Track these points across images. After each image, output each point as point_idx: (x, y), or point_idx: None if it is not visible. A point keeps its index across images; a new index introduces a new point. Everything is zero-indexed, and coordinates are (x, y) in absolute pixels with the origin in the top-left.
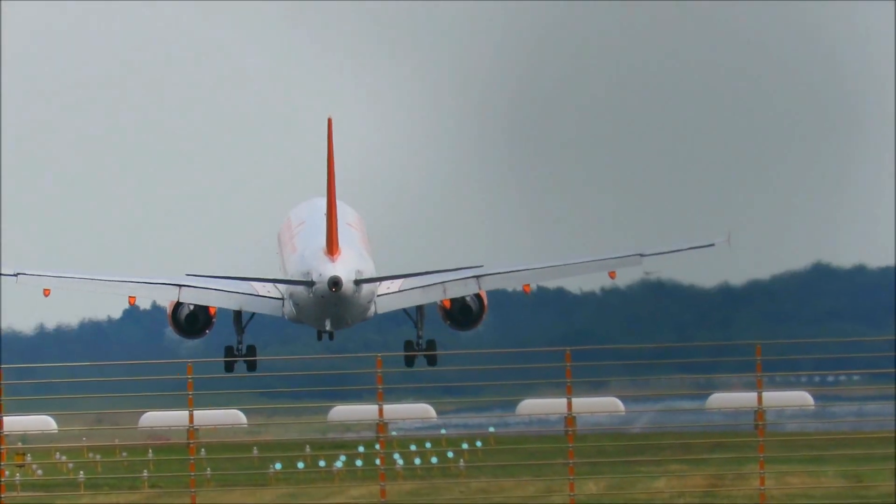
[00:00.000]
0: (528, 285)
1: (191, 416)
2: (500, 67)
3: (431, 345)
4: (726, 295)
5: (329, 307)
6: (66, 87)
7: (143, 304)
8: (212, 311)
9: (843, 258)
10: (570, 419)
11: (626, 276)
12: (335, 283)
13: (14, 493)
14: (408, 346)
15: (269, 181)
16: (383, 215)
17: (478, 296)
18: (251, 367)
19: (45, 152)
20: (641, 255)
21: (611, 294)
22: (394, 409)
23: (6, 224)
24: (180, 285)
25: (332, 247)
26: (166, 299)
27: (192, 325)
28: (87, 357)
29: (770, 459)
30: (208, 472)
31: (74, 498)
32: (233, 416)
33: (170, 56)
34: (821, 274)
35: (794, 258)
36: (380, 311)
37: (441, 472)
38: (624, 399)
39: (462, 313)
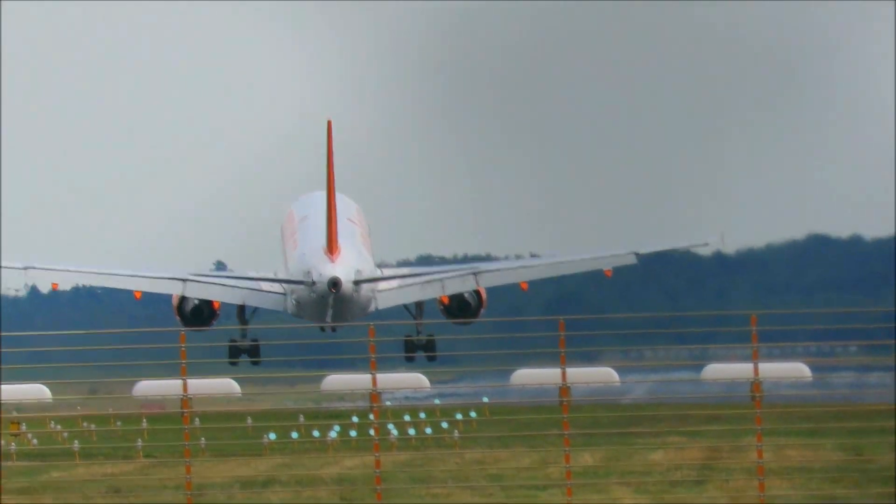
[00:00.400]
0: (525, 283)
1: (185, 386)
2: (496, 59)
3: (431, 341)
4: (721, 264)
5: (329, 305)
6: (70, 84)
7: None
8: (216, 305)
9: (840, 228)
10: (564, 389)
11: (620, 246)
12: (335, 283)
13: (10, 462)
14: (408, 342)
15: (264, 174)
16: (377, 202)
17: (476, 291)
18: (255, 360)
19: (46, 146)
20: (637, 254)
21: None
22: (387, 379)
23: (8, 217)
24: (185, 280)
25: (331, 247)
26: (171, 293)
27: (197, 318)
28: (80, 324)
29: (767, 431)
30: (202, 441)
31: (69, 467)
32: (227, 385)
33: (169, 52)
34: (817, 243)
35: (789, 227)
36: (380, 307)
37: (435, 443)
38: (619, 370)
39: (460, 308)
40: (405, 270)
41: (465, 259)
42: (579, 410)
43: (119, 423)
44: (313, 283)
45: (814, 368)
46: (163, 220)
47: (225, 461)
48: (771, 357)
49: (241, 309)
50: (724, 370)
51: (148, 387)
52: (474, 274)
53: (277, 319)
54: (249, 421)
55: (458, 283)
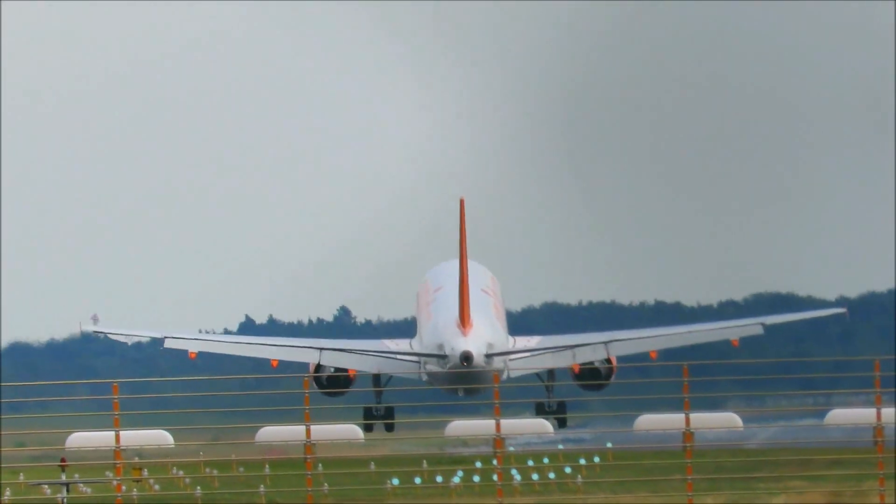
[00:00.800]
0: (655, 352)
1: (308, 431)
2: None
3: (562, 406)
4: (844, 307)
5: (461, 377)
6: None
7: (260, 318)
8: (351, 373)
9: None
10: (688, 434)
11: (743, 290)
12: (466, 357)
13: None
14: (538, 407)
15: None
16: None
17: (607, 359)
18: (389, 427)
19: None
20: (763, 325)
21: (727, 306)
22: (511, 424)
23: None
24: (321, 349)
25: (464, 320)
26: (308, 362)
27: (333, 386)
28: (201, 369)
29: (889, 476)
30: (325, 487)
31: None
32: (350, 431)
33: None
34: None
35: None
36: (512, 374)
37: (558, 488)
38: (742, 415)
39: (591, 376)
40: (536, 340)
41: (590, 305)
42: (703, 455)
43: (241, 469)
44: (445, 356)
45: None
46: (292, 269)
47: None
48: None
49: (376, 376)
50: (848, 415)
51: (271, 432)
52: (605, 343)
53: (410, 384)
54: (372, 466)
55: (589, 352)
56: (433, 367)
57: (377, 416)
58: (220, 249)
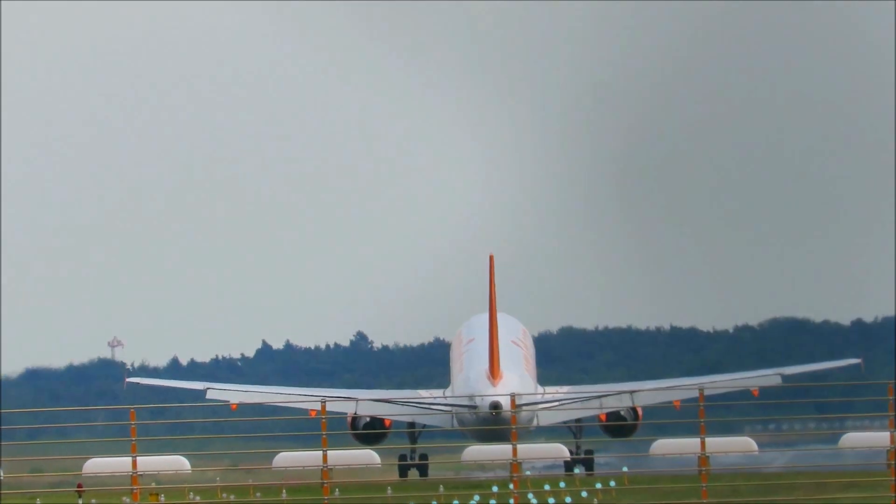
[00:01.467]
0: (678, 401)
1: (325, 456)
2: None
3: (590, 458)
4: (860, 333)
5: (491, 427)
6: (143, 152)
7: (276, 343)
8: (387, 422)
9: None
10: (703, 459)
11: (759, 314)
12: (495, 407)
13: None
14: (567, 465)
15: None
16: (519, 275)
17: (633, 407)
18: (423, 472)
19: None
20: (782, 375)
21: (743, 331)
22: (527, 449)
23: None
24: (357, 399)
25: (494, 371)
26: (345, 411)
27: (370, 435)
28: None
29: None
30: None
31: None
32: (367, 456)
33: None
34: None
35: None
36: (541, 424)
37: None
38: (758, 440)
39: (618, 423)
40: (565, 390)
41: (606, 331)
42: (718, 479)
43: (258, 494)
44: (475, 406)
45: None
46: (309, 294)
47: None
48: None
49: (411, 425)
50: (862, 438)
51: (288, 458)
52: (630, 393)
53: (443, 432)
54: (389, 491)
55: (615, 400)
56: (464, 416)
57: (412, 462)
58: (238, 275)
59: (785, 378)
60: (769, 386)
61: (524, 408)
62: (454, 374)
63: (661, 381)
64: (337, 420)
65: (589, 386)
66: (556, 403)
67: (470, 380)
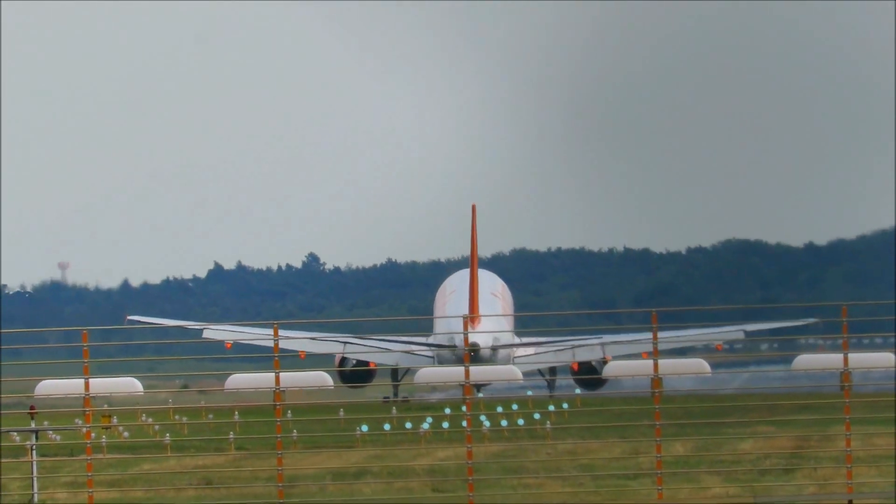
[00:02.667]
0: (646, 353)
1: (277, 378)
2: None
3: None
4: (813, 255)
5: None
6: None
7: (228, 264)
8: (372, 364)
9: None
10: (656, 381)
11: (713, 235)
12: (473, 346)
13: (101, 455)
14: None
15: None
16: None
17: (604, 359)
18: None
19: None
20: (745, 332)
21: (696, 253)
22: (480, 371)
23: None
24: (345, 342)
25: (473, 312)
26: (333, 353)
27: (356, 377)
28: (172, 316)
29: (856, 421)
30: (294, 434)
31: (160, 460)
32: (319, 378)
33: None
34: None
35: (879, 217)
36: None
37: (527, 434)
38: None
39: (588, 373)
40: (541, 340)
41: (559, 252)
42: (671, 401)
43: (211, 416)
44: (455, 346)
45: None
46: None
47: (317, 453)
48: (861, 347)
49: (395, 369)
50: (815, 360)
51: (240, 380)
52: (602, 344)
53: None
54: (342, 413)
55: (588, 351)
56: (444, 357)
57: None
58: (190, 196)
59: (747, 334)
60: (732, 340)
61: (502, 351)
62: (436, 322)
63: (632, 334)
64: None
65: (561, 338)
66: (533, 351)
67: (450, 323)
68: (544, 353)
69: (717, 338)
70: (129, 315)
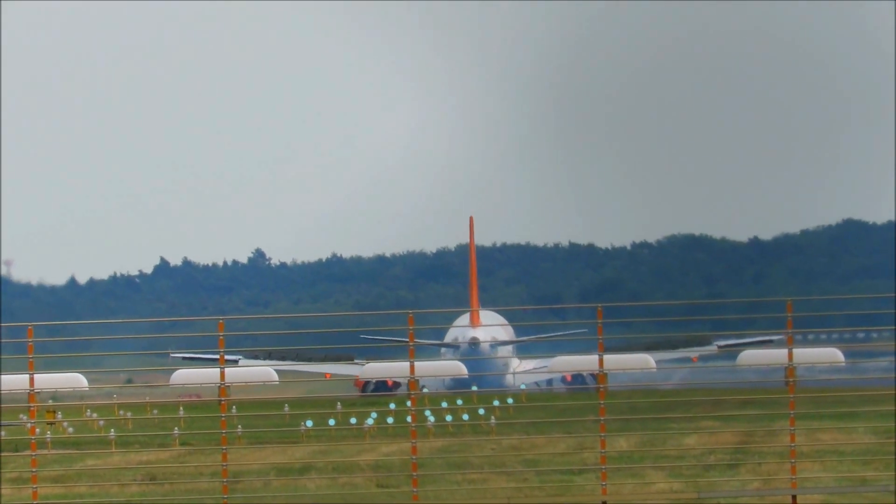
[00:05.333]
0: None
1: (222, 374)
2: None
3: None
4: (757, 249)
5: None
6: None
7: (174, 260)
8: (389, 383)
9: (875, 214)
10: (601, 376)
11: (658, 230)
12: (474, 341)
13: (45, 451)
14: None
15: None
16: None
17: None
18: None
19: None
20: (719, 346)
21: (641, 248)
22: (425, 367)
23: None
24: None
25: (473, 315)
26: (354, 375)
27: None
28: (116, 312)
29: (800, 416)
30: (239, 429)
31: (105, 455)
32: (265, 373)
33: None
34: (852, 229)
35: (825, 213)
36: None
37: (472, 429)
38: (655, 357)
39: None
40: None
41: (504, 247)
42: (616, 396)
43: (155, 412)
44: (458, 344)
45: (847, 353)
46: (208, 211)
47: (261, 448)
48: (806, 343)
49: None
50: (760, 356)
51: (185, 375)
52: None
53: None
54: (286, 408)
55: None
56: (448, 356)
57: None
58: (135, 192)
59: (720, 348)
60: (706, 354)
61: (500, 348)
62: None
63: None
64: (235, 338)
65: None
66: (532, 366)
67: (455, 330)
68: (543, 368)
69: (691, 353)
70: (173, 354)
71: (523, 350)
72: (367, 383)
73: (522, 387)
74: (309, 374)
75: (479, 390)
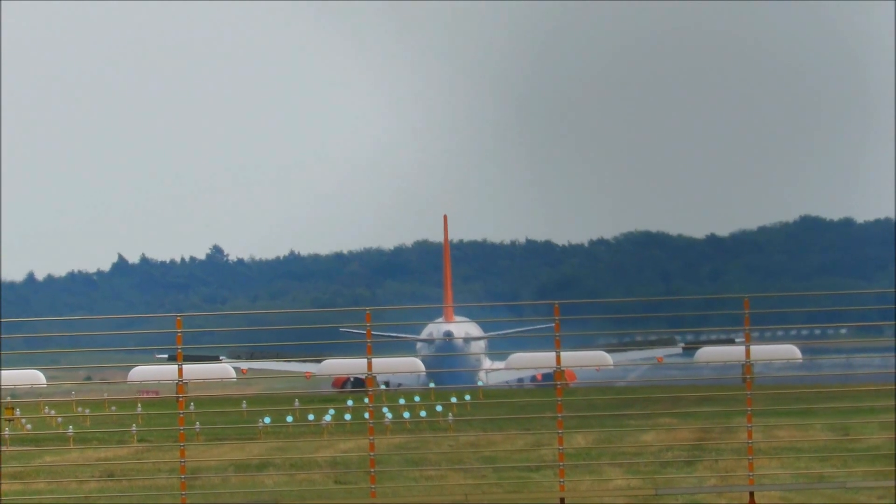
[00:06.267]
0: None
1: (180, 371)
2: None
3: None
4: (715, 247)
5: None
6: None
7: (132, 257)
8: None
9: (832, 211)
10: (558, 373)
11: (615, 228)
12: (448, 334)
13: (3, 448)
14: None
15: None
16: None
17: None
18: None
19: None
20: (683, 346)
21: (598, 245)
22: (383, 363)
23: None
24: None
25: (447, 311)
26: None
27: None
28: (74, 309)
29: (758, 413)
30: (197, 426)
31: (63, 452)
32: (223, 370)
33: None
34: (809, 226)
35: (782, 211)
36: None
37: (430, 426)
38: (613, 353)
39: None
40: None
41: (461, 244)
42: (574, 393)
43: (114, 408)
44: (433, 339)
45: (804, 350)
46: (165, 207)
47: (219, 445)
48: (763, 340)
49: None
50: (717, 353)
51: (143, 372)
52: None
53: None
54: (244, 405)
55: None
56: (424, 352)
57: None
58: (93, 189)
59: (685, 349)
60: (673, 353)
61: (473, 343)
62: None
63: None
64: (192, 335)
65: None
66: (503, 365)
67: (431, 326)
68: (514, 368)
69: (659, 353)
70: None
71: (494, 347)
72: (346, 381)
73: (480, 384)
74: (280, 373)
75: (451, 386)
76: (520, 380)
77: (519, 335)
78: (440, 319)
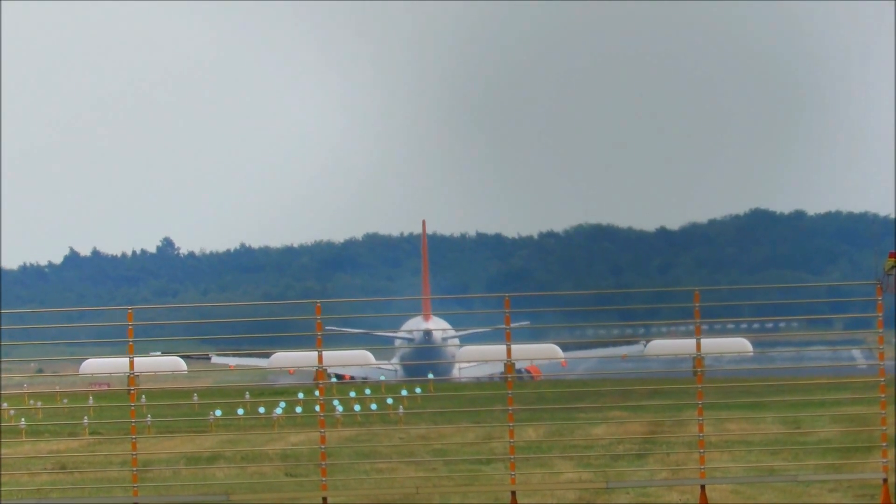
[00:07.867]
0: (565, 361)
1: (131, 363)
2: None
3: None
4: (664, 239)
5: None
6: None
7: (84, 250)
8: (346, 377)
9: (782, 204)
10: (509, 366)
11: (564, 221)
12: (427, 332)
13: None
14: None
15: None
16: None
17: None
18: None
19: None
20: (645, 343)
21: (548, 237)
22: (333, 356)
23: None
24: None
25: (425, 310)
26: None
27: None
28: (26, 301)
29: (708, 406)
30: (148, 418)
31: (15, 444)
32: (174, 363)
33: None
34: (760, 219)
35: (732, 203)
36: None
37: (380, 419)
38: (563, 345)
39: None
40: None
41: (411, 237)
42: (524, 386)
43: (65, 401)
44: (412, 337)
45: (755, 344)
46: (115, 201)
47: (171, 438)
48: (714, 333)
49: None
50: (667, 346)
51: (94, 365)
52: (530, 360)
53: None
54: (195, 398)
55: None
56: (405, 351)
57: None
58: (43, 181)
59: (645, 345)
60: (636, 354)
61: (450, 342)
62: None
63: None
64: (143, 328)
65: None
66: (474, 363)
67: (409, 324)
68: (485, 362)
69: (622, 351)
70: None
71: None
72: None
73: (382, 378)
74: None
75: (423, 379)
76: (490, 375)
77: (496, 331)
78: (420, 320)
